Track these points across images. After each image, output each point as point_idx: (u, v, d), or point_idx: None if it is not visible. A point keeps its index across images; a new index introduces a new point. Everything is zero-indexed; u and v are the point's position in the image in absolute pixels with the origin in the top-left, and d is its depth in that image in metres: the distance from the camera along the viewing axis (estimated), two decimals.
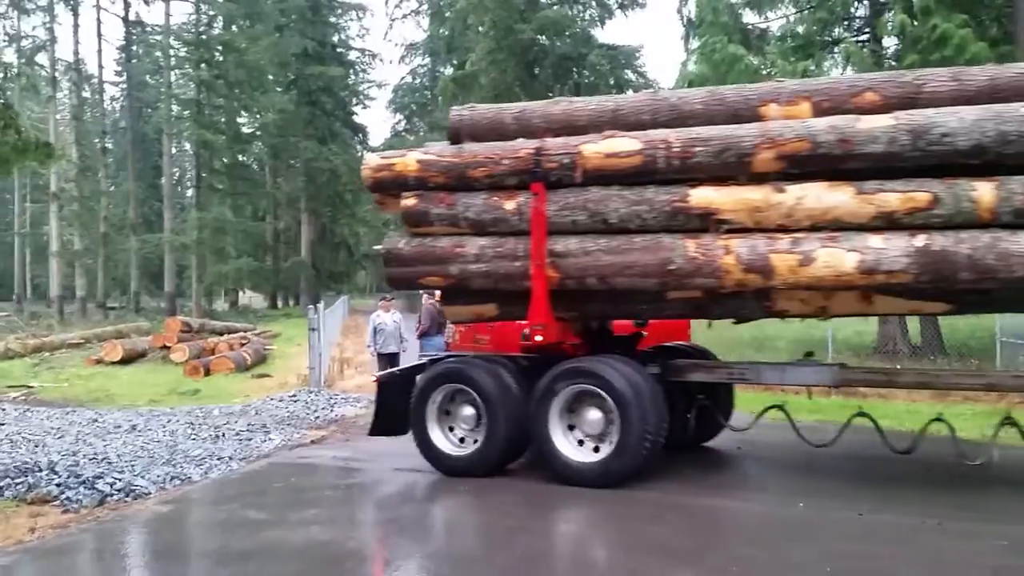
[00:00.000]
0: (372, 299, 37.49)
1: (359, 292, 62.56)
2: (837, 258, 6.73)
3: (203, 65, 37.62)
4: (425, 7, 45.09)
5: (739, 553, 5.87)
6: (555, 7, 33.22)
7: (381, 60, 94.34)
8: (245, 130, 43.45)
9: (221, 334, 24.65)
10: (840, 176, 6.89)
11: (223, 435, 10.41)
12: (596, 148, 7.43)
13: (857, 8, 19.71)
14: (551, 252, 7.49)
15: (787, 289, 7.10)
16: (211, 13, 40.96)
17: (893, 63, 17.62)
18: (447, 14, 38.32)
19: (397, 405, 8.41)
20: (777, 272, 6.89)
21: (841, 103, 7.12)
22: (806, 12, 19.29)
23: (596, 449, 7.53)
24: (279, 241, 49.05)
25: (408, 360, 14.23)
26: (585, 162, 7.43)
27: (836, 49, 18.85)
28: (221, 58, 38.10)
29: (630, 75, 34.26)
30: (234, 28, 40.90)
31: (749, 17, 20.62)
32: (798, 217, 6.92)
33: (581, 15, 34.26)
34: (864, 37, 19.23)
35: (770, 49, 18.86)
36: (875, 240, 6.71)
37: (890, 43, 18.49)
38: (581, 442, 7.60)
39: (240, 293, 50.86)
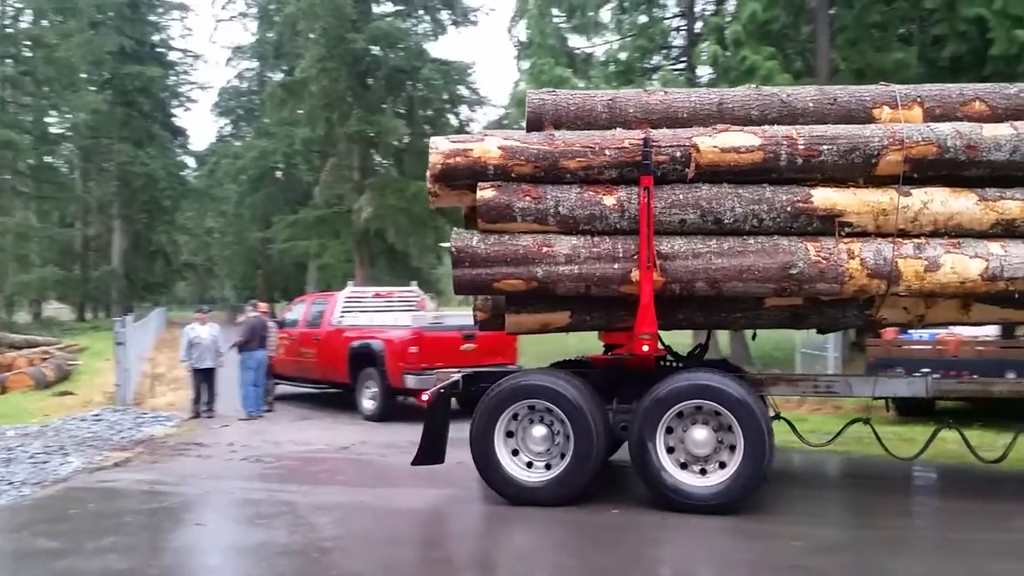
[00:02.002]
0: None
1: (178, 304, 59.54)
2: (963, 264, 6.69)
3: (8, 60, 34.92)
4: (253, 10, 43.74)
5: (551, 560, 6.08)
6: (388, 19, 32.99)
7: (205, 61, 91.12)
8: (54, 130, 40.37)
9: (20, 348, 22.78)
10: (959, 182, 6.88)
11: (15, 458, 9.53)
12: (713, 142, 6.86)
13: (675, 38, 20.77)
14: (657, 254, 6.82)
15: (907, 296, 6.95)
16: (18, 6, 37.97)
17: None
18: (276, 18, 37.29)
19: (443, 428, 7.66)
20: (904, 278, 6.72)
21: (952, 110, 7.14)
22: (628, 39, 20.06)
23: (703, 472, 6.94)
24: (89, 249, 45.60)
25: (225, 376, 13.71)
26: (700, 157, 6.86)
27: (655, 76, 19.72)
28: (29, 53, 35.48)
29: (463, 91, 34.52)
30: (44, 22, 38.05)
31: (576, 41, 21.36)
32: (922, 222, 6.81)
33: (414, 29, 34.21)
34: (681, 65, 20.27)
35: (595, 73, 19.52)
36: (995, 247, 6.73)
37: (704, 72, 19.58)
38: (684, 464, 6.98)
39: (44, 304, 47.19)
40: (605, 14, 21.44)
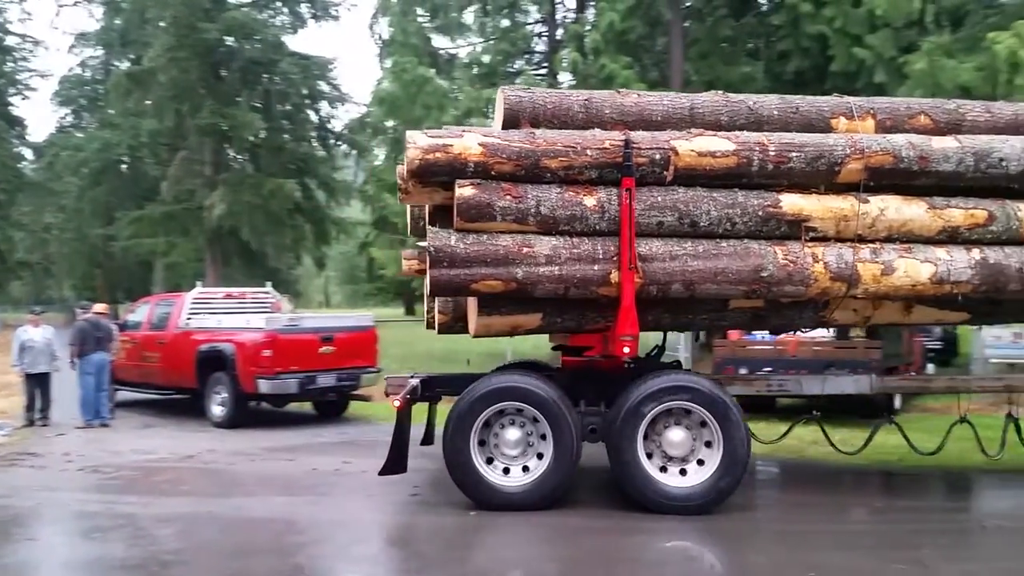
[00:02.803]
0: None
1: (13, 305, 55.61)
2: (915, 268, 7.07)
3: None
4: None
5: (407, 567, 6.07)
6: (244, 9, 31.87)
7: (46, 48, 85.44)
8: None
9: None
10: (909, 191, 7.25)
11: None
12: (690, 146, 6.95)
13: (537, 43, 21.04)
14: (637, 255, 6.81)
15: (863, 298, 7.25)
16: None
17: None
18: (123, 4, 35.40)
19: (408, 436, 7.35)
20: (863, 281, 7.03)
21: (901, 122, 7.53)
22: (491, 43, 20.15)
23: (683, 472, 7.02)
24: None
25: (62, 381, 12.84)
26: (678, 160, 6.92)
27: (518, 80, 19.90)
28: None
29: (324, 86, 33.81)
30: None
31: (440, 42, 21.31)
32: (878, 228, 7.14)
33: (272, 20, 33.20)
34: (544, 71, 20.55)
35: (458, 74, 19.51)
36: (941, 252, 7.16)
37: (565, 78, 19.90)
38: (664, 468, 7.04)
39: None
40: (469, 16, 21.57)
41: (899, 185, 7.26)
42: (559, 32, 20.76)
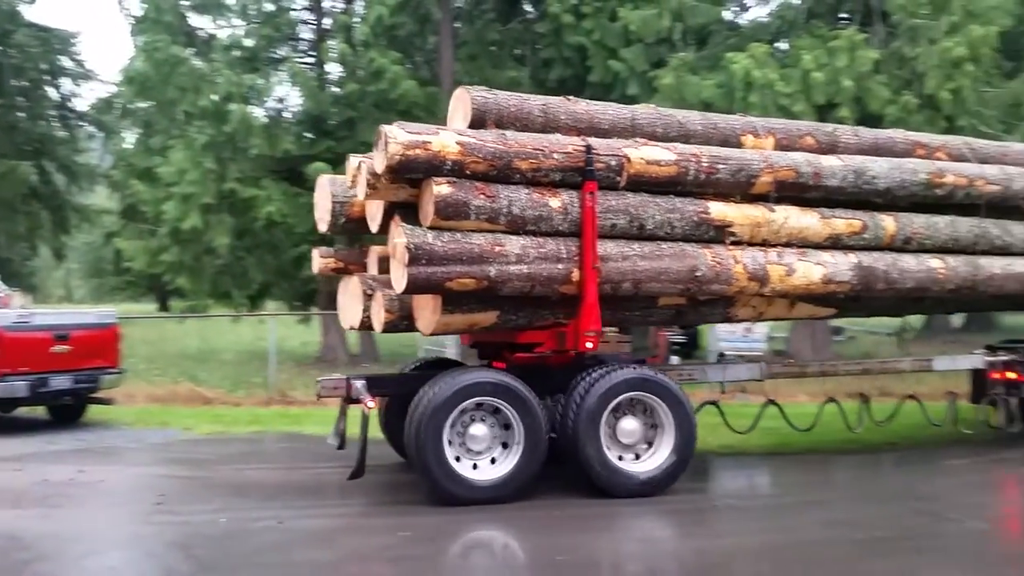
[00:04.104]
0: None
1: None
2: (810, 270, 8.11)
3: None
4: None
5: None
6: None
7: None
8: None
9: None
10: (804, 203, 8.27)
11: None
12: (639, 154, 7.48)
13: (303, 31, 20.53)
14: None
15: (769, 295, 8.16)
16: None
17: (337, 89, 18.63)
18: None
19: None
20: (771, 280, 7.93)
21: (794, 142, 8.58)
22: (254, 26, 19.38)
23: (637, 457, 7.53)
24: None
25: None
26: (630, 167, 7.42)
27: (283, 67, 19.30)
28: None
29: (66, 62, 30.91)
30: None
31: (198, 21, 20.21)
32: (782, 234, 8.10)
33: None
34: (311, 60, 20.02)
35: (217, 57, 18.60)
36: (827, 256, 8.26)
37: (334, 68, 19.54)
38: (621, 457, 7.45)
39: None
40: None
41: (796, 197, 8.26)
42: (327, 21, 20.26)
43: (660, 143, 7.74)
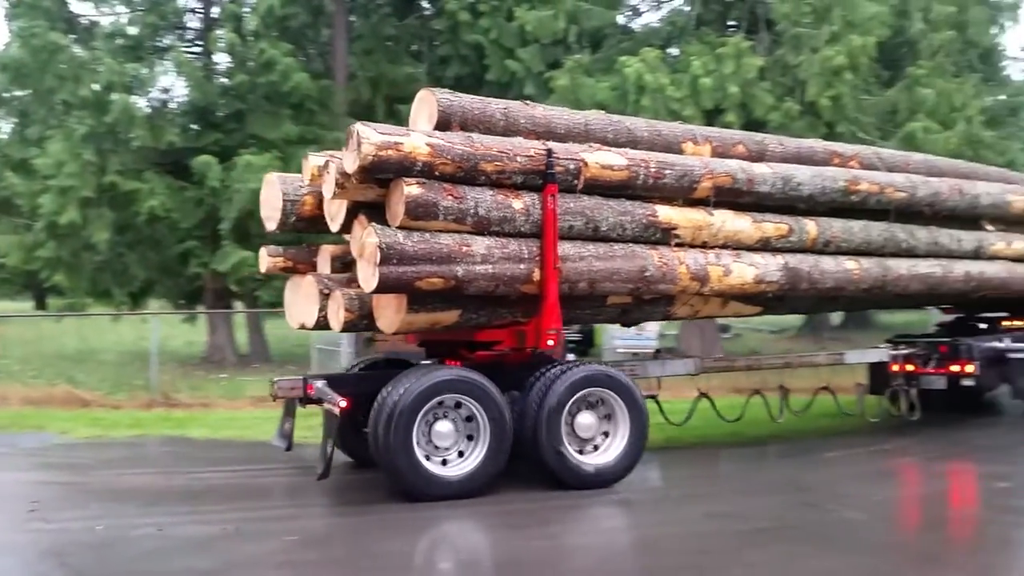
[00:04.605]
0: None
1: None
2: (744, 271, 8.56)
3: None
4: None
5: None
6: None
7: None
8: None
9: None
10: (738, 207, 8.68)
11: None
12: (595, 158, 7.71)
13: (191, 19, 19.80)
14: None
15: (708, 295, 8.54)
16: None
17: (226, 80, 18.01)
18: None
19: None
20: (711, 280, 8.33)
21: (728, 150, 9.00)
22: (138, 13, 18.53)
23: (596, 449, 7.76)
24: None
25: None
26: (587, 170, 7.63)
27: (168, 56, 18.54)
28: None
29: None
30: None
31: (80, 8, 19.17)
32: (720, 237, 8.51)
33: None
34: (198, 49, 19.30)
35: (99, 45, 17.71)
36: (758, 258, 8.73)
37: (223, 59, 18.95)
38: (580, 451, 7.67)
39: None
40: None
41: (731, 202, 8.67)
42: (216, 10, 19.52)
43: (612, 148, 8.00)
